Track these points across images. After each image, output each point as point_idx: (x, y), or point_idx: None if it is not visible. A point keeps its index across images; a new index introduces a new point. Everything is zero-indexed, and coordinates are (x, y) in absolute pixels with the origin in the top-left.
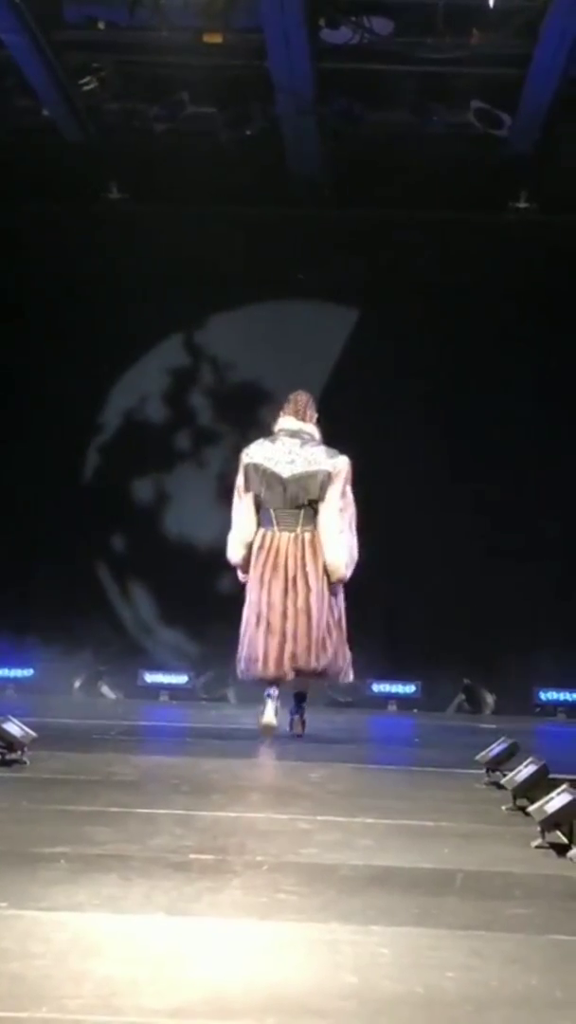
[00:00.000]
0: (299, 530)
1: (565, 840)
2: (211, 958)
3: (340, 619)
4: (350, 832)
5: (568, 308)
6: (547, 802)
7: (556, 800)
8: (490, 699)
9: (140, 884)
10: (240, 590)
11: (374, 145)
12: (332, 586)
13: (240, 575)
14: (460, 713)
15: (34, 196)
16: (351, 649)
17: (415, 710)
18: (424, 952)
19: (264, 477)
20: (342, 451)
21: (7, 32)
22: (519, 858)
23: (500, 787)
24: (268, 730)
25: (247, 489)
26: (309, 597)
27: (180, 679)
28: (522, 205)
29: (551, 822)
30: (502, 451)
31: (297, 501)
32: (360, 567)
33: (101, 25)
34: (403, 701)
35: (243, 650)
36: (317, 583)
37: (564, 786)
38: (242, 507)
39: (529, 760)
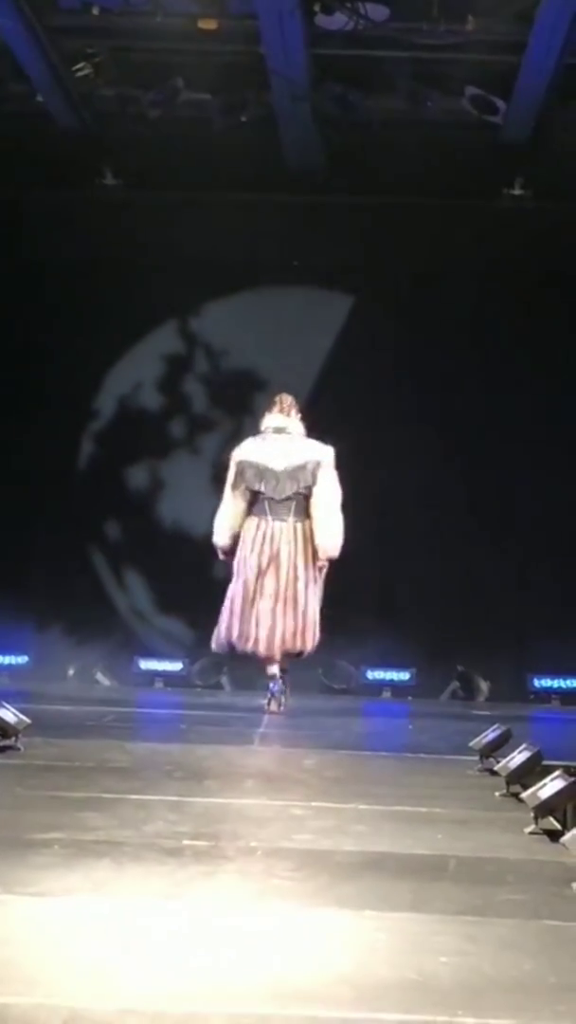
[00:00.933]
0: (291, 519)
1: (558, 826)
2: (205, 944)
3: (320, 603)
4: (344, 818)
5: (562, 294)
6: (540, 788)
7: (549, 786)
8: (484, 686)
9: (133, 870)
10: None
11: (369, 131)
12: (319, 571)
13: (221, 556)
14: (454, 700)
15: (28, 182)
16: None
17: (409, 697)
18: (418, 937)
19: (259, 472)
20: (339, 436)
21: (1, 18)
22: (513, 844)
23: (494, 773)
24: (275, 711)
25: (237, 485)
26: (296, 584)
27: (175, 666)
28: (517, 192)
29: (545, 808)
30: (499, 439)
31: (290, 492)
32: (355, 554)
33: (96, 11)
34: (397, 688)
35: (234, 626)
36: (306, 571)
37: (558, 772)
38: (232, 499)
39: (523, 746)
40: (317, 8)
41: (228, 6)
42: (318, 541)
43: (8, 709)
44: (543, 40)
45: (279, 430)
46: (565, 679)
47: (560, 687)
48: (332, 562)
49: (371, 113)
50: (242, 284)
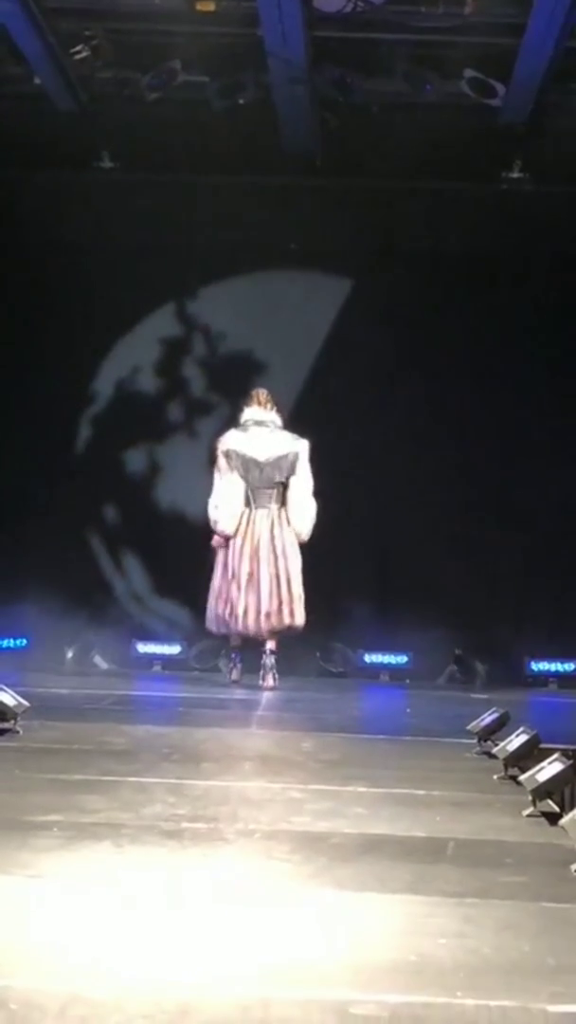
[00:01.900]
0: (272, 506)
1: (556, 808)
2: (204, 925)
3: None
4: (342, 801)
5: (560, 276)
6: (538, 771)
7: (547, 769)
8: (481, 670)
9: (132, 852)
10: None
11: (367, 114)
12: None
13: (217, 541)
14: (452, 683)
15: (25, 165)
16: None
17: (407, 680)
18: (417, 919)
19: (243, 462)
20: (336, 419)
21: None
22: (511, 826)
23: (492, 756)
24: (236, 683)
25: (232, 470)
26: (278, 564)
27: (173, 649)
28: (515, 175)
29: (542, 791)
30: (497, 423)
31: (272, 481)
32: (353, 538)
33: None
34: (395, 671)
35: (222, 608)
36: (289, 550)
37: (555, 755)
38: (229, 485)
39: (520, 729)
40: None
41: None
42: (295, 525)
43: (7, 692)
44: (542, 22)
45: (260, 423)
46: (562, 663)
47: (557, 671)
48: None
49: (369, 96)
50: (240, 267)
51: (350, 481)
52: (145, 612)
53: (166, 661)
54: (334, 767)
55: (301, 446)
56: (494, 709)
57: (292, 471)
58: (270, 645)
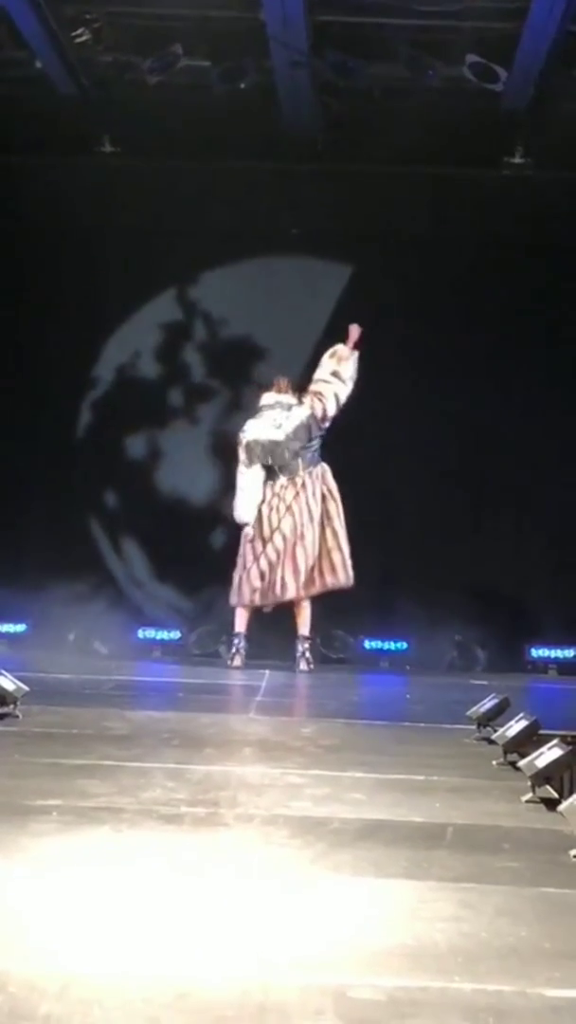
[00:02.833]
0: (301, 473)
1: (555, 794)
2: (203, 910)
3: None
4: (341, 786)
5: (561, 262)
6: (537, 757)
7: (546, 755)
8: (481, 656)
9: (132, 836)
10: (234, 542)
11: (369, 99)
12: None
13: (245, 528)
14: (452, 670)
15: (26, 149)
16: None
17: (407, 667)
18: (414, 904)
19: (265, 448)
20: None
21: None
22: (509, 812)
23: (491, 742)
24: (239, 669)
25: (252, 462)
26: (303, 529)
27: (173, 635)
28: (517, 160)
29: (541, 777)
30: (497, 409)
31: (295, 449)
32: (353, 525)
33: None
34: (395, 658)
35: (253, 583)
36: (317, 513)
37: (555, 741)
38: (252, 475)
39: (520, 715)
40: None
41: None
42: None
43: (7, 677)
44: (544, 7)
45: (271, 406)
46: (562, 649)
47: (557, 657)
48: None
49: (371, 81)
50: (241, 252)
51: (349, 467)
52: (145, 597)
53: (166, 646)
54: (333, 753)
55: (308, 408)
56: (494, 695)
57: (315, 432)
58: (303, 631)
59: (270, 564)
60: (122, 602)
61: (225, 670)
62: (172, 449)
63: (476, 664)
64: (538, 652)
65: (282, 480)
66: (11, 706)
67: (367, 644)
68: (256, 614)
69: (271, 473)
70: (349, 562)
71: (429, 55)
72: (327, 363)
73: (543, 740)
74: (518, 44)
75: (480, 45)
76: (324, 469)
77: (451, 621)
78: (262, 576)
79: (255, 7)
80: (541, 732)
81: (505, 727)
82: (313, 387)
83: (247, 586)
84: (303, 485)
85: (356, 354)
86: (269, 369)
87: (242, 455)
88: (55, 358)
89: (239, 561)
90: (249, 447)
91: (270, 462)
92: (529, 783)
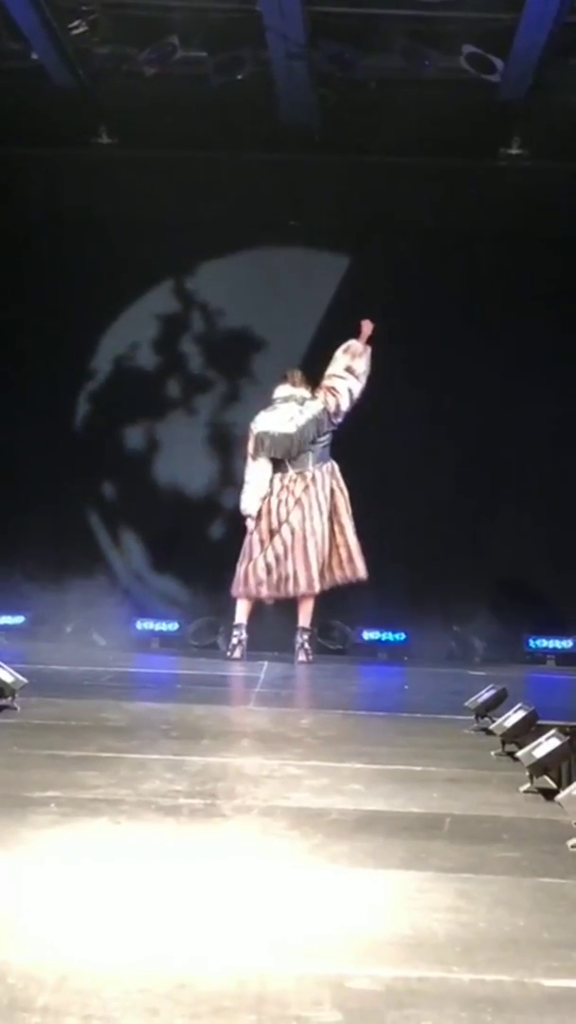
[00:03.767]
0: (311, 468)
1: (553, 785)
2: (201, 900)
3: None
4: (339, 777)
5: (558, 253)
6: (536, 747)
7: (545, 745)
8: (479, 646)
9: (130, 828)
10: (238, 535)
11: (366, 90)
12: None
13: (248, 521)
14: (450, 660)
15: (23, 141)
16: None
17: (405, 658)
18: (413, 894)
19: (275, 441)
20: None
21: None
22: (507, 802)
23: (489, 733)
24: (238, 658)
25: (258, 454)
26: (309, 524)
27: (171, 626)
28: (514, 151)
29: (540, 767)
30: (495, 399)
31: (305, 446)
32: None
33: None
34: (393, 649)
35: (259, 574)
36: (324, 508)
37: (552, 732)
38: (258, 468)
39: (518, 706)
40: None
41: None
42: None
43: (5, 668)
44: None
45: (285, 399)
46: (560, 640)
47: (555, 648)
48: None
49: (368, 71)
50: (238, 244)
51: (347, 458)
52: (143, 589)
53: (164, 638)
54: (332, 744)
55: (320, 403)
56: (492, 686)
57: (330, 424)
58: (303, 623)
59: (277, 557)
60: (120, 594)
61: (223, 661)
62: (170, 440)
63: (474, 655)
64: (536, 643)
65: (291, 473)
66: (9, 698)
67: (365, 635)
68: (256, 606)
69: (279, 466)
70: (360, 556)
71: (426, 46)
72: (340, 358)
73: (541, 730)
74: (515, 35)
75: (477, 36)
76: (333, 466)
77: (449, 611)
78: (268, 569)
79: None
80: (539, 722)
81: (503, 718)
82: (327, 382)
83: (252, 578)
84: (313, 479)
85: (369, 350)
86: (266, 360)
87: (250, 447)
88: (52, 350)
89: (244, 552)
90: (259, 439)
91: (278, 455)
92: (527, 773)
